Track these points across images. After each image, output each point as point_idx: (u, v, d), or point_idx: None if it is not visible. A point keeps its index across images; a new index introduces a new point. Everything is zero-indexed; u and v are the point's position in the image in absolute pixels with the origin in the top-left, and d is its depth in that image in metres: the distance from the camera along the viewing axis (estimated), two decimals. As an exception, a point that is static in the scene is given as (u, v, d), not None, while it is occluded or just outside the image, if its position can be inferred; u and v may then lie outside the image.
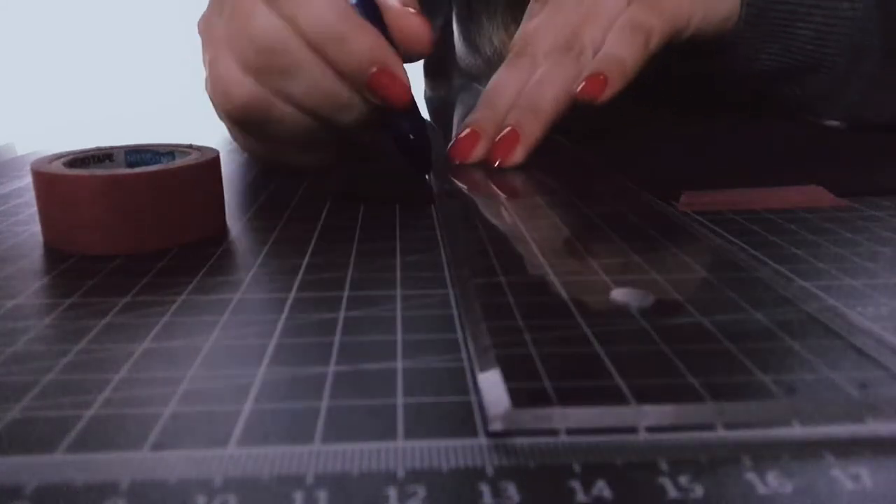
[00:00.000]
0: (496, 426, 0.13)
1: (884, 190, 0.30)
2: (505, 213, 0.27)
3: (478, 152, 0.35)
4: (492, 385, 0.14)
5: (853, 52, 0.42)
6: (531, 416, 0.13)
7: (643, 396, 0.14)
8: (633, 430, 0.13)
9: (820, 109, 0.47)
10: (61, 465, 0.12)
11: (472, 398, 0.14)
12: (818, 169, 0.34)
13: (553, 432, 0.13)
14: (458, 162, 0.35)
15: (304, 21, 0.27)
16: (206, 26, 0.31)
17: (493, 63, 0.67)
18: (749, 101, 0.50)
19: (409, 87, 0.29)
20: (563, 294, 0.19)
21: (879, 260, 0.22)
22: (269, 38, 0.28)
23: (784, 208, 0.28)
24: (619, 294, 0.19)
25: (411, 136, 0.30)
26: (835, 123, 0.48)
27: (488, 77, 0.39)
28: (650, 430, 0.13)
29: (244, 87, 0.29)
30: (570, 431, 0.13)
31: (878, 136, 0.43)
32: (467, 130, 0.36)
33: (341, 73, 0.28)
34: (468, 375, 0.15)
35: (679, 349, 0.16)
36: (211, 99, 0.32)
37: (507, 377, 0.14)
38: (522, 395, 0.14)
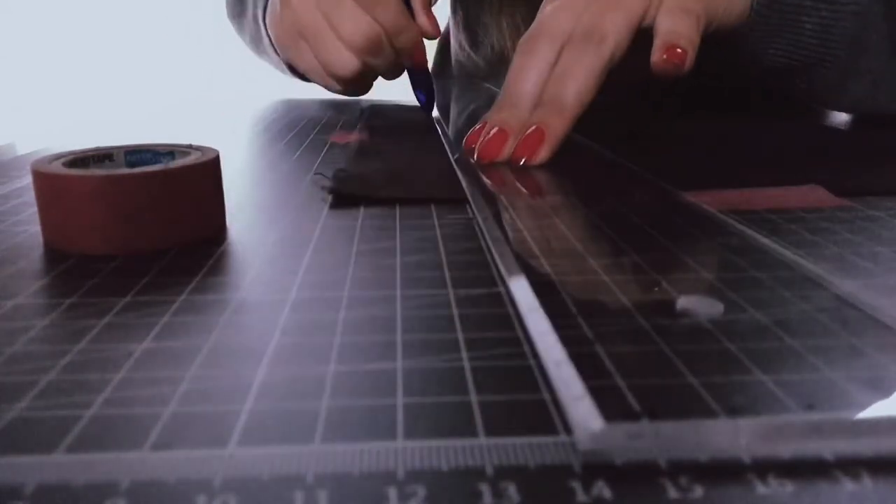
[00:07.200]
0: (586, 445, 0.12)
1: (884, 190, 0.30)
2: (540, 212, 0.27)
3: (506, 151, 0.35)
4: (578, 401, 0.13)
5: (853, 47, 0.42)
6: (623, 433, 0.12)
7: (734, 410, 0.13)
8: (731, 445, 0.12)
9: (828, 102, 0.47)
10: (61, 465, 0.12)
11: (472, 398, 0.14)
12: (818, 169, 0.34)
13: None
14: (485, 161, 0.35)
15: (381, 18, 0.51)
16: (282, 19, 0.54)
17: (493, 62, 0.67)
18: (757, 97, 0.50)
19: (426, 58, 0.56)
20: (625, 300, 0.19)
21: (879, 260, 0.22)
22: (368, 31, 0.50)
23: (784, 208, 0.28)
24: (685, 302, 0.18)
25: (423, 90, 0.58)
26: (845, 116, 0.49)
27: (488, 77, 0.39)
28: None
29: (353, 62, 0.52)
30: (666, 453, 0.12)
31: (878, 135, 0.43)
32: (495, 129, 0.35)
33: (398, 50, 0.53)
34: (467, 375, 0.15)
35: (754, 352, 0.15)
36: (312, 71, 0.55)
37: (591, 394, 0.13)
38: (611, 409, 0.13)
